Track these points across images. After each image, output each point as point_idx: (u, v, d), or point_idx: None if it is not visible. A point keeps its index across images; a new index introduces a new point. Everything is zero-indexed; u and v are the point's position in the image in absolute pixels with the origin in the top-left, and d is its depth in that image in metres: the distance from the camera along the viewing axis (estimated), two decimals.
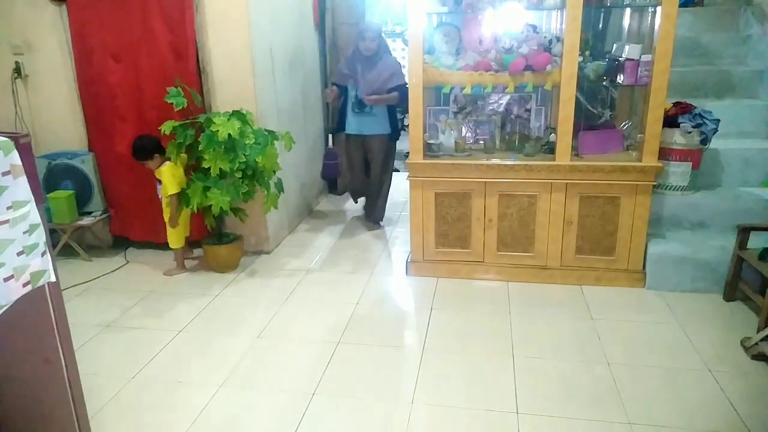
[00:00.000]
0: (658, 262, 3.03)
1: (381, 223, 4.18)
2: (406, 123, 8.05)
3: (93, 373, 2.39)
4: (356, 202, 4.46)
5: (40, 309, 1.51)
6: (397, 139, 3.99)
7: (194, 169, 3.30)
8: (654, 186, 2.97)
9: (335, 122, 4.06)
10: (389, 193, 4.14)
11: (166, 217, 3.29)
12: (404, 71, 3.69)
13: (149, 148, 3.22)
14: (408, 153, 3.20)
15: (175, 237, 3.39)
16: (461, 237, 3.22)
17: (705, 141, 3.04)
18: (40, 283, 1.43)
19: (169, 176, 3.18)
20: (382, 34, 3.75)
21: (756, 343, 2.40)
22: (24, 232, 1.35)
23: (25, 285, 1.37)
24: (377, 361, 2.52)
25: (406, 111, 4.09)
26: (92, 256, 3.71)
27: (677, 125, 3.05)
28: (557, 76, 2.90)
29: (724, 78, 3.93)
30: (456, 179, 3.11)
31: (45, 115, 3.71)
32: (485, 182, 3.08)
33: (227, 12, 3.28)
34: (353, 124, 3.86)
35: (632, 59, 2.89)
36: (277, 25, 3.71)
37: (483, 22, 3.25)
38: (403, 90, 3.52)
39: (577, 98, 2.94)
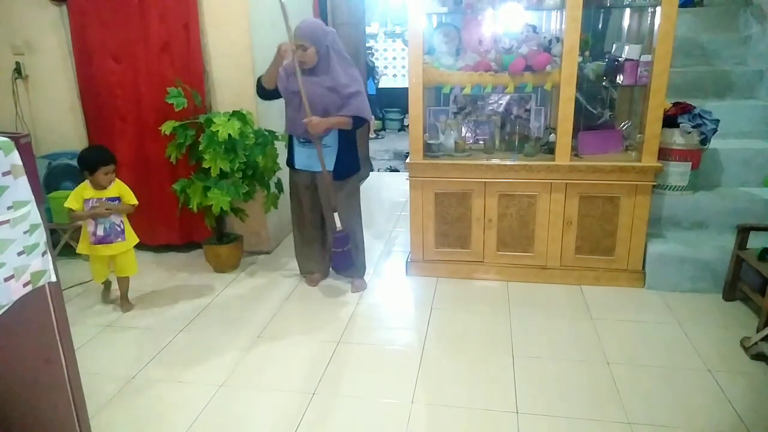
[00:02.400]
0: (658, 262, 3.04)
1: (364, 278, 3.24)
2: (406, 123, 8.08)
3: (93, 373, 2.39)
4: (306, 275, 3.28)
5: (40, 309, 1.50)
6: (358, 171, 3.02)
7: (194, 169, 3.30)
8: (653, 186, 2.97)
9: (288, 151, 3.03)
10: (364, 244, 3.20)
11: (132, 235, 2.93)
12: (364, 94, 2.83)
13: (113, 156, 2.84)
14: (408, 153, 3.20)
15: (135, 263, 3.00)
16: (461, 237, 3.22)
17: (704, 141, 3.05)
18: (41, 283, 1.43)
19: (128, 189, 2.87)
20: (328, 41, 2.71)
21: (755, 343, 2.41)
22: (24, 232, 1.35)
23: (25, 285, 1.37)
24: (377, 360, 2.52)
25: (406, 111, 3.72)
26: None
27: (677, 125, 3.05)
28: (557, 76, 2.90)
29: (724, 78, 3.93)
30: (456, 179, 3.11)
31: (45, 115, 3.72)
32: (485, 182, 3.08)
33: (227, 12, 3.29)
34: (301, 158, 2.92)
35: (632, 59, 2.89)
36: (277, 25, 3.70)
37: (483, 22, 3.25)
38: (358, 121, 2.80)
39: (576, 98, 2.94)
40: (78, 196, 2.75)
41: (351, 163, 2.94)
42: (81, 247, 2.87)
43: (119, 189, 2.83)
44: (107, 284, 3.05)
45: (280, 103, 3.78)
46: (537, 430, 2.03)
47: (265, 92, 2.89)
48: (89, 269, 2.97)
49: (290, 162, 3.01)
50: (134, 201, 2.87)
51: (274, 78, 2.80)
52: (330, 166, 2.87)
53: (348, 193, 2.99)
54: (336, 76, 2.74)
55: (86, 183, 2.78)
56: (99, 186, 2.77)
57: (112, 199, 2.80)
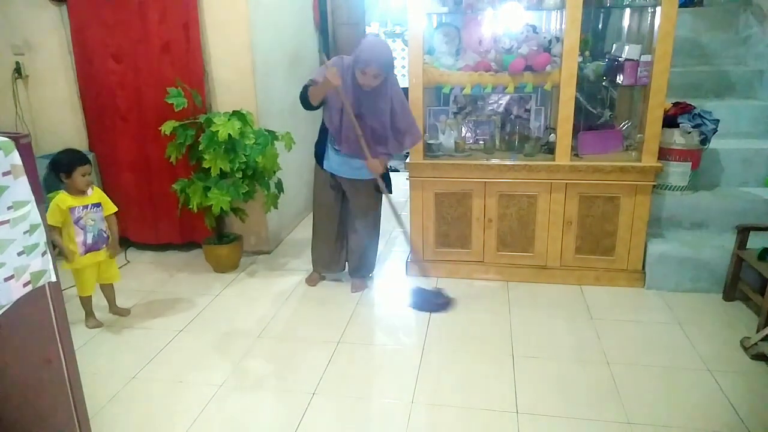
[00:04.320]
0: (658, 262, 3.04)
1: (370, 275, 3.29)
2: None
3: (93, 373, 2.39)
4: (319, 273, 3.30)
5: (40, 309, 1.50)
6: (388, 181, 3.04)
7: (194, 169, 3.30)
8: (653, 186, 2.97)
9: (316, 147, 3.02)
10: (377, 246, 3.25)
11: (116, 244, 2.82)
12: (412, 119, 2.86)
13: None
14: (408, 153, 3.20)
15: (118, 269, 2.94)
16: (461, 237, 3.22)
17: (704, 141, 3.05)
18: (41, 283, 1.43)
19: (105, 195, 2.77)
20: (393, 65, 2.73)
21: (755, 343, 2.41)
22: (24, 232, 1.35)
23: (25, 285, 1.37)
24: (377, 360, 2.52)
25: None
26: None
27: (677, 125, 3.05)
28: (557, 76, 2.90)
29: (724, 78, 3.93)
30: (456, 179, 3.11)
31: (45, 115, 3.72)
32: (485, 182, 3.08)
33: (227, 12, 3.29)
34: (333, 163, 2.93)
35: (632, 59, 2.89)
36: (278, 26, 3.72)
37: (483, 22, 3.25)
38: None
39: (576, 98, 2.94)
40: (57, 209, 2.56)
41: (388, 171, 3.00)
42: (68, 262, 2.66)
43: (99, 195, 2.73)
44: (90, 306, 2.85)
45: (280, 103, 3.79)
46: (537, 430, 2.03)
47: (308, 105, 2.80)
48: (77, 283, 2.76)
49: (319, 160, 2.99)
50: (114, 208, 2.78)
51: (320, 98, 2.74)
52: (369, 174, 2.85)
53: (377, 197, 3.05)
54: (387, 100, 2.72)
55: (63, 192, 2.61)
56: (78, 191, 2.62)
57: (95, 205, 2.68)
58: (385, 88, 2.71)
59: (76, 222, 2.62)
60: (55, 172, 2.62)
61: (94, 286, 2.82)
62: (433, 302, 2.94)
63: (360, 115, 2.72)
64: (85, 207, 2.64)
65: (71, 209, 2.60)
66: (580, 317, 2.81)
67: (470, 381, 2.33)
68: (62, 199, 2.59)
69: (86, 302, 2.83)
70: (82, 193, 2.65)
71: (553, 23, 3.34)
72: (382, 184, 2.90)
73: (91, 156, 3.58)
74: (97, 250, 2.71)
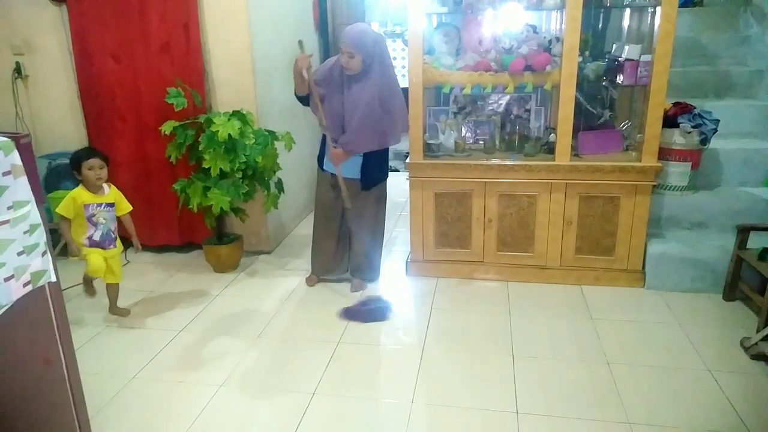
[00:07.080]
0: (658, 262, 3.04)
1: (367, 283, 3.21)
2: None
3: (93, 373, 2.39)
4: (316, 276, 3.26)
5: (40, 309, 1.50)
6: (385, 179, 3.04)
7: (194, 169, 3.30)
8: (653, 186, 2.97)
9: (320, 150, 3.05)
10: (381, 248, 3.21)
11: (119, 241, 2.85)
12: (391, 122, 2.83)
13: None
14: (408, 153, 3.20)
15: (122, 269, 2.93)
16: (461, 237, 3.22)
17: (704, 141, 3.05)
18: (41, 283, 1.43)
19: (121, 194, 2.84)
20: (376, 51, 2.68)
21: (756, 343, 2.41)
22: (24, 232, 1.35)
23: (25, 285, 1.37)
24: (377, 360, 2.52)
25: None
26: None
27: (677, 125, 3.05)
28: (557, 76, 2.90)
29: (724, 78, 3.94)
30: (456, 179, 3.11)
31: (45, 115, 3.72)
32: (485, 182, 3.08)
33: (227, 12, 3.29)
34: (329, 161, 2.95)
35: (632, 59, 2.89)
36: (277, 26, 3.71)
37: (483, 22, 3.25)
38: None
39: (576, 98, 2.94)
40: (72, 202, 2.63)
41: (379, 171, 2.98)
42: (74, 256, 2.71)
43: (114, 194, 2.78)
44: (91, 281, 2.85)
45: (280, 102, 3.79)
46: (537, 430, 2.03)
47: (301, 98, 2.96)
48: (87, 266, 2.73)
49: (320, 160, 3.04)
50: (129, 207, 2.85)
51: (300, 85, 2.87)
52: (357, 174, 2.92)
53: (376, 198, 3.03)
54: (371, 90, 2.72)
55: (81, 187, 2.68)
56: (92, 187, 2.68)
57: (109, 205, 2.74)
58: (369, 77, 2.72)
59: (89, 218, 2.68)
60: (71, 169, 2.72)
61: (103, 269, 2.75)
62: (370, 311, 2.88)
63: (345, 105, 2.79)
64: (99, 205, 2.70)
65: (86, 205, 2.66)
66: (580, 317, 2.81)
67: (470, 381, 2.33)
68: (79, 193, 2.67)
69: (89, 278, 2.81)
70: (99, 189, 2.71)
71: (553, 23, 3.34)
72: (341, 180, 2.89)
73: None
74: (102, 249, 2.74)
